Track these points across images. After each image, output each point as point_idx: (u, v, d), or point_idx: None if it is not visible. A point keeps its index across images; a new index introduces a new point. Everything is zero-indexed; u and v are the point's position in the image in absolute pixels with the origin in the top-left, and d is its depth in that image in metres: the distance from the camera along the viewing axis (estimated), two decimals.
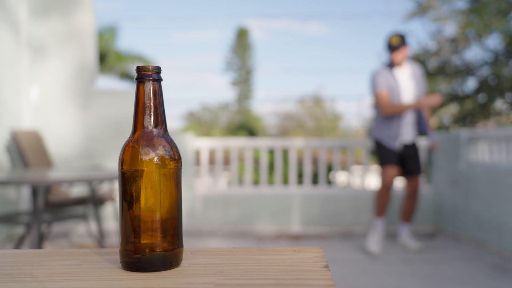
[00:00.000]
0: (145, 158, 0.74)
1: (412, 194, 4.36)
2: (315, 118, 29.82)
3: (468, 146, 4.94)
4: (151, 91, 0.76)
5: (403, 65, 4.20)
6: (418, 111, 4.28)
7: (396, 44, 4.10)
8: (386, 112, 4.13)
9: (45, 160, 4.45)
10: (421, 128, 4.36)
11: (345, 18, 58.31)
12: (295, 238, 5.02)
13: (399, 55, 4.12)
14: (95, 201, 3.87)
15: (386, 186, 4.22)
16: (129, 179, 0.75)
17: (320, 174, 5.60)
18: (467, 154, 4.94)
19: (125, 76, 15.45)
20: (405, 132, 4.24)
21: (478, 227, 4.59)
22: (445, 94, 10.90)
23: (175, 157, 0.77)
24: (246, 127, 26.45)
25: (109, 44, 14.96)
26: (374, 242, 4.16)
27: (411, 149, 4.32)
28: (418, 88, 4.26)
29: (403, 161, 4.30)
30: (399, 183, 5.55)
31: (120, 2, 58.31)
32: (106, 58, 14.66)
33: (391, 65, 4.20)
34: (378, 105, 4.18)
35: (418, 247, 4.33)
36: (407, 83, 4.22)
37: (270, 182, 8.49)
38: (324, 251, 0.85)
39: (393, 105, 4.12)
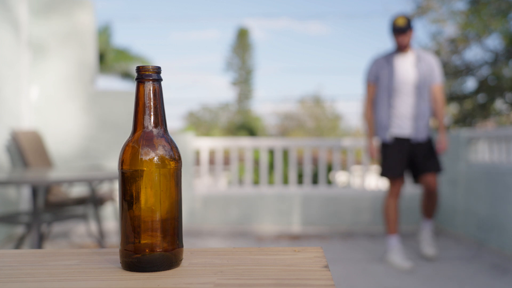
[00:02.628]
0: (145, 158, 0.74)
1: (429, 192, 3.95)
2: (315, 118, 29.83)
3: (468, 146, 4.94)
4: (151, 91, 0.76)
5: (408, 51, 3.84)
6: (422, 106, 3.84)
7: (402, 25, 3.72)
8: (363, 108, 4.00)
9: (45, 160, 4.45)
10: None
11: (345, 18, 58.36)
12: (295, 238, 5.02)
13: (405, 38, 3.74)
14: (95, 201, 3.86)
15: (393, 196, 3.89)
16: (129, 179, 0.75)
17: (320, 174, 5.61)
18: (467, 154, 4.94)
19: (126, 75, 15.45)
20: (399, 125, 3.83)
21: (478, 227, 4.59)
22: (445, 94, 10.89)
23: (175, 157, 0.77)
24: (246, 127, 26.45)
25: (107, 43, 14.97)
26: (400, 260, 3.74)
27: (423, 147, 3.89)
28: (420, 77, 3.82)
29: (413, 161, 3.91)
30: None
31: (119, 2, 58.34)
32: (104, 57, 14.66)
33: (396, 50, 3.84)
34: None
35: (433, 255, 3.97)
36: (409, 70, 3.82)
37: (270, 182, 8.49)
38: (324, 251, 0.85)
39: (368, 111, 3.95)
